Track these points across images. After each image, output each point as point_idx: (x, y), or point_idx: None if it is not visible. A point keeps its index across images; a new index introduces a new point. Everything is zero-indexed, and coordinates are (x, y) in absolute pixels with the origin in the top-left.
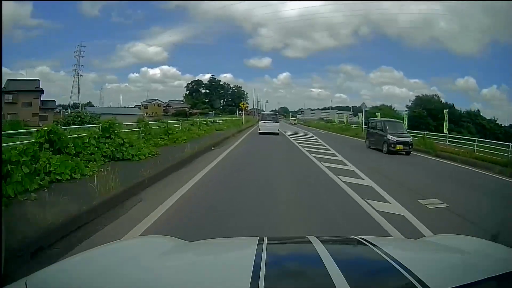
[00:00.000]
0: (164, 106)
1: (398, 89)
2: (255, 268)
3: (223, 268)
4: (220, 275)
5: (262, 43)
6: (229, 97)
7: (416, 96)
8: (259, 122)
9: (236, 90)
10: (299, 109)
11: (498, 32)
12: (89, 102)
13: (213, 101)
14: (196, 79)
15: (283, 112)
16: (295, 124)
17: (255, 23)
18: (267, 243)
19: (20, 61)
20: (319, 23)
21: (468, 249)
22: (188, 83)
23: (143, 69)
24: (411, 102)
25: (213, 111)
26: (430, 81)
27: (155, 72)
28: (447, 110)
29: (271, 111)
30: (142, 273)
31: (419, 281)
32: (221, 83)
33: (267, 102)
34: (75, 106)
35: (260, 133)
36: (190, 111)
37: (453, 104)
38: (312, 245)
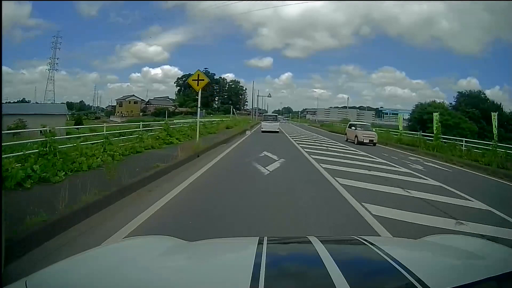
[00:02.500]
0: (144, 104)
1: (400, 90)
2: (255, 268)
3: (223, 268)
4: (220, 275)
5: (262, 43)
6: (225, 93)
7: (459, 92)
8: (262, 122)
9: (233, 86)
10: (304, 109)
11: (501, 31)
12: (82, 101)
13: (206, 98)
14: (188, 73)
15: (287, 112)
16: (373, 139)
17: (255, 23)
18: (267, 243)
19: (21, 60)
20: (319, 23)
21: (468, 249)
22: (178, 78)
23: (145, 69)
24: (455, 99)
25: (203, 110)
26: (432, 82)
27: (157, 72)
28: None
29: (273, 111)
30: (142, 273)
31: (419, 281)
32: (215, 77)
33: (269, 96)
34: None
35: (263, 131)
36: (176, 110)
37: (501, 104)
38: (312, 245)
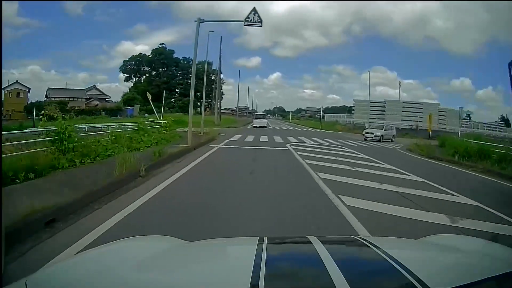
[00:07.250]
0: (47, 99)
1: (391, 90)
2: (255, 268)
3: (223, 268)
4: (220, 275)
5: (250, 41)
6: (188, 80)
7: None
8: (254, 120)
9: (201, 69)
10: (299, 109)
11: (494, 31)
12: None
13: (157, 86)
14: (139, 53)
15: (280, 112)
16: None
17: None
18: (267, 243)
19: (10, 60)
20: (309, 21)
21: (468, 249)
22: (124, 61)
23: None
24: None
25: (137, 105)
26: (424, 82)
27: None
28: None
29: (264, 111)
30: (142, 273)
31: (419, 281)
32: (174, 55)
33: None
34: None
35: (255, 127)
36: (97, 106)
37: None
38: (312, 245)
